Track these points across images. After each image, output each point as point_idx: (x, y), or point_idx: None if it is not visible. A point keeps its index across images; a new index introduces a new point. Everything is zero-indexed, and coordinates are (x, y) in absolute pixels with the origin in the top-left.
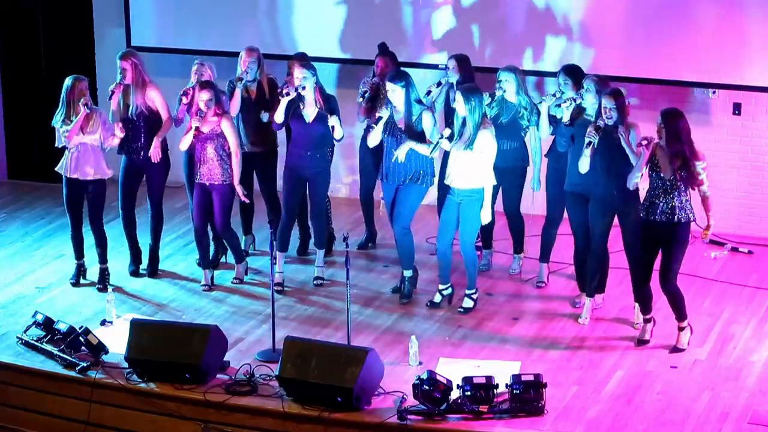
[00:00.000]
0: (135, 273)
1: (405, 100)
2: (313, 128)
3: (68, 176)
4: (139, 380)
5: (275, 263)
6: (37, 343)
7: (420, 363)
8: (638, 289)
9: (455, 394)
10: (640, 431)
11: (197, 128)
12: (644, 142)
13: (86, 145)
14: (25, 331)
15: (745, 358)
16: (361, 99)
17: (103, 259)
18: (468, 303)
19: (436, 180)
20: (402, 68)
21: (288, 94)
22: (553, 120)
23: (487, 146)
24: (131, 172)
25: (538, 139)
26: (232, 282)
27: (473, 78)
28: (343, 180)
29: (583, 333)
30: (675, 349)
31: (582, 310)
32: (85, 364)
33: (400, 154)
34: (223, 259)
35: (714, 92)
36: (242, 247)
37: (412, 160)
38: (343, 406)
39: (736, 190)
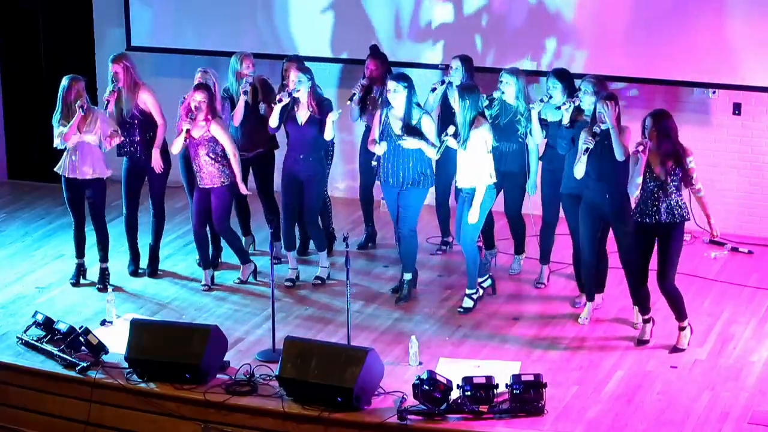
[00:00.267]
0: (135, 273)
1: (406, 101)
2: (305, 131)
3: (67, 176)
4: (139, 380)
5: (277, 263)
6: (37, 343)
7: (420, 363)
8: (636, 291)
9: (455, 394)
10: (640, 431)
11: (188, 130)
12: (640, 148)
13: (84, 145)
14: (25, 331)
15: (745, 358)
16: (349, 101)
17: (104, 258)
18: (468, 303)
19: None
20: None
21: (281, 100)
22: (544, 124)
23: (478, 145)
24: (133, 173)
25: (535, 144)
26: (234, 282)
27: (473, 79)
28: (338, 185)
29: (583, 333)
30: (675, 349)
31: (582, 310)
32: (85, 364)
33: (409, 144)
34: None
35: (714, 92)
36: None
37: (411, 163)
38: (343, 406)
39: (736, 190)
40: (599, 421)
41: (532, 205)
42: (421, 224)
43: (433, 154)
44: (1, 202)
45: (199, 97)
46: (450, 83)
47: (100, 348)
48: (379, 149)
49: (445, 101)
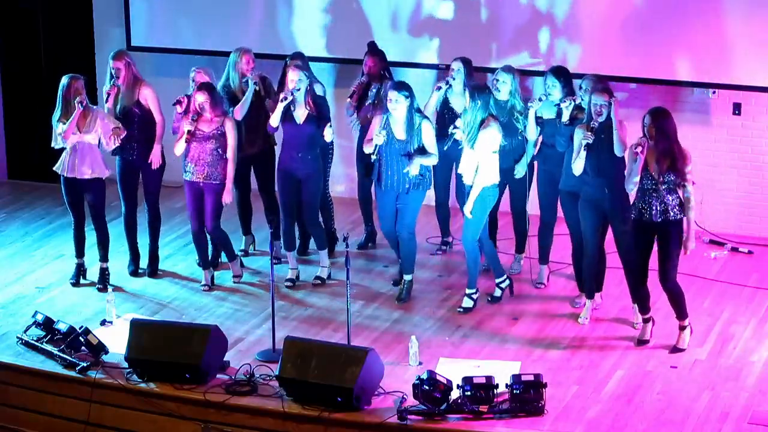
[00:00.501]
0: (135, 273)
1: (407, 111)
2: (303, 129)
3: (66, 175)
4: (139, 380)
5: (277, 263)
6: (37, 343)
7: (420, 363)
8: (635, 290)
9: (455, 394)
10: (640, 431)
11: (189, 132)
12: (638, 149)
13: (84, 144)
14: (25, 331)
15: (745, 358)
16: (349, 99)
17: (104, 257)
18: (468, 303)
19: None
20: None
21: (285, 98)
22: (540, 122)
23: (485, 145)
24: (128, 172)
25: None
26: (233, 281)
27: (473, 80)
28: (338, 187)
29: (583, 333)
30: (675, 349)
31: (582, 310)
32: (85, 364)
33: (415, 168)
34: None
35: (714, 92)
36: (242, 246)
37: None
38: (343, 406)
39: (736, 190)
40: (599, 421)
41: (532, 205)
42: (421, 224)
43: (433, 161)
44: (1, 202)
45: (201, 97)
46: (450, 85)
47: (100, 348)
48: (379, 138)
49: (445, 102)
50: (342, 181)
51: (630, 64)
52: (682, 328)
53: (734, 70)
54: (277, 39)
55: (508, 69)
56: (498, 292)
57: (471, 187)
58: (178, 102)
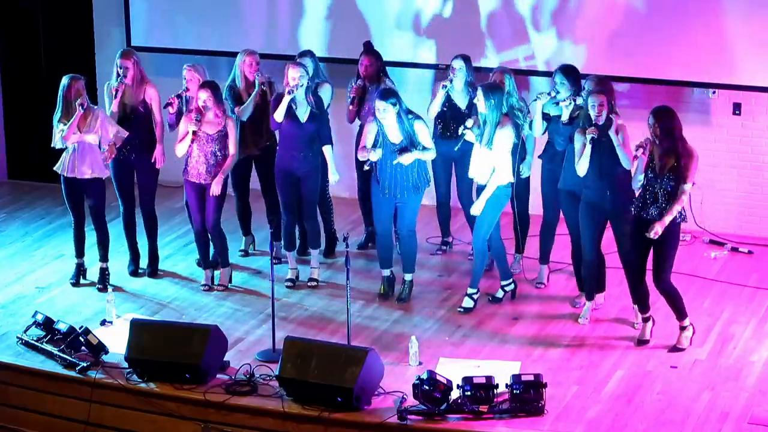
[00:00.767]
0: (135, 273)
1: (397, 117)
2: (306, 128)
3: (66, 175)
4: (139, 380)
5: (277, 263)
6: (37, 343)
7: (420, 363)
8: (635, 289)
9: (455, 394)
10: (640, 431)
11: (194, 132)
12: (639, 152)
13: (84, 145)
14: (25, 331)
15: (745, 358)
16: (351, 107)
17: (104, 257)
18: (468, 303)
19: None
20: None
21: (291, 92)
22: (547, 118)
23: (503, 145)
24: (123, 170)
25: (532, 138)
26: (216, 289)
27: (474, 77)
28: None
29: (583, 333)
30: (675, 349)
31: (582, 310)
32: (85, 364)
33: (407, 160)
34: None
35: (714, 92)
36: (242, 247)
37: (410, 171)
38: (343, 406)
39: (736, 190)
40: (599, 421)
41: (533, 205)
42: (421, 224)
43: (431, 156)
44: (1, 202)
45: (204, 95)
46: (452, 83)
47: (100, 348)
48: (375, 155)
49: (446, 99)
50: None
51: (630, 64)
52: (682, 329)
53: (734, 70)
54: (277, 39)
55: (502, 69)
56: (500, 293)
57: (481, 186)
58: (169, 104)
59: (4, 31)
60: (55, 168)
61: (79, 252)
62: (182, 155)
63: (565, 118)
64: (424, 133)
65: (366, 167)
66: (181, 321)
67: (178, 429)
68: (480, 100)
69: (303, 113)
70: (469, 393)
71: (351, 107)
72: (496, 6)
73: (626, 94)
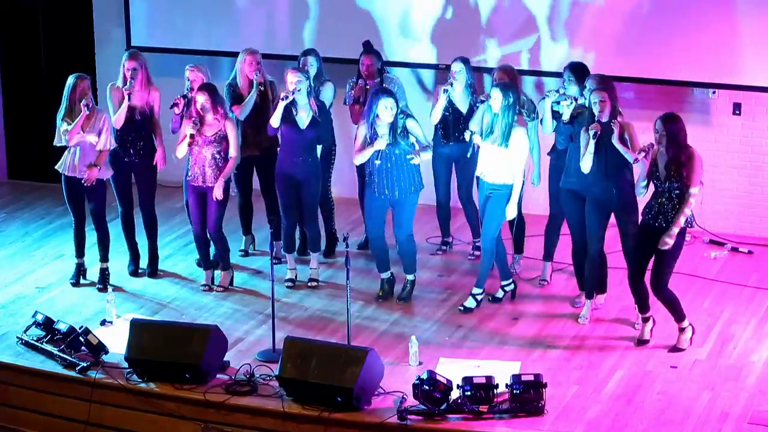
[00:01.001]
0: (135, 273)
1: (397, 111)
2: (307, 133)
3: (67, 174)
4: (139, 380)
5: (277, 263)
6: (37, 343)
7: (420, 363)
8: (635, 284)
9: (455, 394)
10: (640, 431)
11: (192, 135)
12: (641, 156)
13: (86, 145)
14: (25, 331)
15: (745, 358)
16: (357, 106)
17: (104, 257)
18: (471, 303)
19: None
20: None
21: (286, 97)
22: (557, 116)
23: (521, 144)
24: (122, 171)
25: (536, 134)
26: (215, 290)
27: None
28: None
29: (583, 333)
30: (675, 349)
31: (582, 309)
32: (85, 364)
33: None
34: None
35: (714, 92)
36: (242, 246)
37: (404, 174)
38: (343, 406)
39: (736, 190)
40: (599, 421)
41: (535, 204)
42: (421, 224)
43: (430, 154)
44: (1, 202)
45: (201, 98)
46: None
47: (100, 348)
48: (381, 143)
49: (450, 104)
50: (343, 181)
51: (630, 65)
52: (681, 330)
53: (734, 70)
54: (277, 39)
55: (504, 68)
56: (500, 293)
57: (494, 185)
58: (175, 104)
59: (4, 31)
60: (56, 167)
61: (79, 252)
62: (182, 157)
63: (565, 117)
64: (418, 129)
65: (377, 161)
66: (181, 321)
67: (178, 429)
68: (497, 98)
69: (304, 119)
70: (469, 393)
71: (356, 107)
72: (496, 6)
73: (626, 94)
